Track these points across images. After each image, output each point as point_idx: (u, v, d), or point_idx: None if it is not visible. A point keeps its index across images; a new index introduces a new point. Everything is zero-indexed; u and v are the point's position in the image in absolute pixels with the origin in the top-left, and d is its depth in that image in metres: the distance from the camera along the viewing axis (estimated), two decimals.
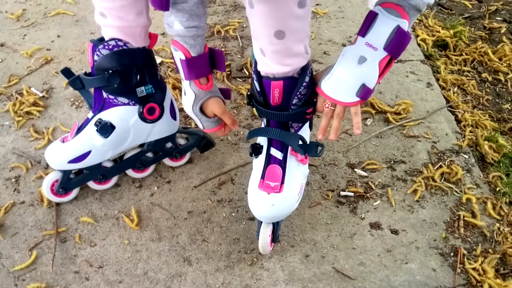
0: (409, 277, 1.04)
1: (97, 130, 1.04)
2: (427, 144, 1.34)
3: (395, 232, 1.12)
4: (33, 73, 1.50)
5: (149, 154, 1.16)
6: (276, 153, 0.99)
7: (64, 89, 1.44)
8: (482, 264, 1.05)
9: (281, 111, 0.95)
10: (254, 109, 1.19)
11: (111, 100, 1.04)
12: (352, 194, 1.19)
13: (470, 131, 1.38)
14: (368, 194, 1.19)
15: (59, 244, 1.03)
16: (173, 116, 1.14)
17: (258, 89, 0.94)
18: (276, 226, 1.03)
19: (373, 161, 1.28)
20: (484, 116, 1.46)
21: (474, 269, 1.05)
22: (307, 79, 0.91)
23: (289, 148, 0.99)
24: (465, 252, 1.08)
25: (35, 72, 1.51)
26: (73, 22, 1.73)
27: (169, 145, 1.17)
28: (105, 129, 1.04)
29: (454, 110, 1.47)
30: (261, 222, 0.99)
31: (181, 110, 1.36)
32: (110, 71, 0.98)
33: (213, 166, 1.24)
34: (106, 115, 1.04)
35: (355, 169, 1.26)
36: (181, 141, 1.20)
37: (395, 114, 1.42)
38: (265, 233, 0.99)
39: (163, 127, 1.13)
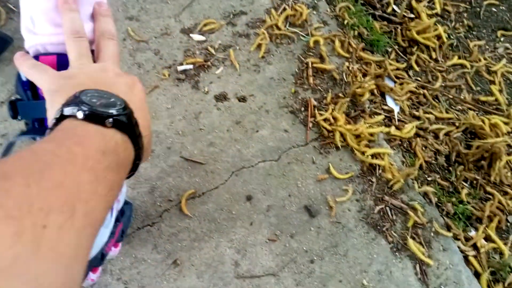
0: (262, 145, 0.97)
1: None
2: None
3: (242, 99, 1.02)
4: None
5: None
6: None
7: None
8: (333, 112, 1.01)
9: None
10: None
11: None
12: (191, 66, 1.04)
13: None
14: (209, 62, 1.05)
15: None
16: None
17: None
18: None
19: (211, 19, 1.10)
20: None
21: (325, 119, 1.00)
22: None
23: None
24: (316, 103, 1.02)
25: None
26: None
27: None
28: None
29: None
30: None
31: None
32: None
33: None
34: None
35: (191, 34, 1.08)
36: None
37: None
38: None
39: None
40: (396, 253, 0.91)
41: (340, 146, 0.98)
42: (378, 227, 0.92)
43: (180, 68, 1.03)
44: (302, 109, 1.02)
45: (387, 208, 0.94)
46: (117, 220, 0.81)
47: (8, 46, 1.00)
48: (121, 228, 0.82)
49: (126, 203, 0.85)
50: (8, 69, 1.00)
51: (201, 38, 1.07)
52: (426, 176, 1.03)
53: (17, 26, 1.03)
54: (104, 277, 0.83)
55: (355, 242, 0.90)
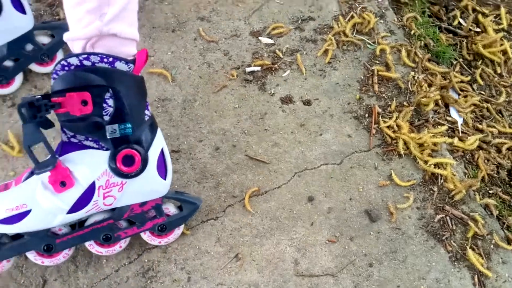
0: (325, 148, 0.99)
1: None
2: None
3: (307, 103, 1.04)
4: None
5: (8, 63, 0.97)
6: None
7: None
8: (397, 120, 1.02)
9: None
10: None
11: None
12: (259, 68, 1.07)
13: None
14: (276, 65, 1.08)
15: None
16: (20, 9, 0.93)
17: None
18: None
19: (279, 24, 1.13)
20: None
21: (389, 127, 1.01)
22: None
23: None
24: (380, 110, 1.04)
25: None
26: None
27: (29, 47, 0.97)
28: None
29: None
30: None
31: None
32: None
33: None
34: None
35: (260, 37, 1.11)
36: (44, 40, 1.00)
37: None
38: None
39: (10, 25, 0.92)
40: (455, 263, 0.90)
41: (403, 154, 0.99)
42: (438, 236, 0.92)
43: (248, 69, 1.07)
44: (366, 115, 1.03)
45: (448, 217, 0.94)
46: (156, 215, 0.85)
47: None
48: (159, 222, 0.84)
49: (186, 201, 0.88)
50: None
51: (270, 41, 1.11)
52: (488, 188, 1.02)
53: None
54: (168, 265, 0.87)
55: (414, 249, 0.91)
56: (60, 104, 0.65)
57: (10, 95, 1.01)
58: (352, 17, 1.13)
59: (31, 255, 0.81)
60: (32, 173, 0.74)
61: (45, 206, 0.73)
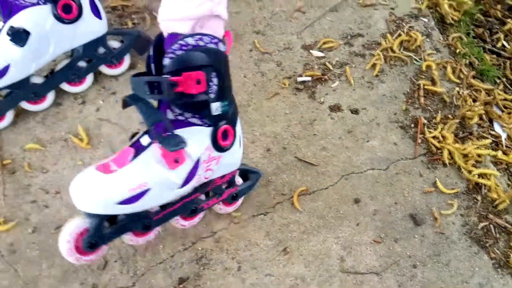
0: (371, 154, 1.04)
1: (10, 40, 0.92)
2: (385, 11, 1.25)
3: (355, 111, 1.10)
4: None
5: (82, 63, 1.06)
6: (144, 140, 0.78)
7: None
8: (442, 131, 1.06)
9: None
10: None
11: (18, 2, 0.92)
12: (309, 78, 1.14)
13: None
14: (326, 76, 1.14)
15: (8, 176, 0.98)
16: (97, 15, 1.02)
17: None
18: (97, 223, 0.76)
19: (329, 39, 1.20)
20: None
21: (434, 137, 1.05)
22: None
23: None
24: (425, 121, 1.08)
25: None
26: None
27: (101, 50, 1.06)
28: (19, 36, 0.92)
29: None
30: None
31: (114, 8, 1.21)
32: None
33: None
34: (17, 21, 0.92)
35: (311, 51, 1.18)
36: (115, 44, 1.09)
37: None
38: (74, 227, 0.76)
39: (87, 28, 1.01)
40: (498, 269, 0.92)
41: (447, 163, 1.02)
42: (481, 243, 0.94)
43: (299, 79, 1.14)
44: (412, 125, 1.07)
45: (491, 226, 0.96)
46: (229, 184, 0.91)
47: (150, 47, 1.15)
48: (233, 192, 0.91)
49: (252, 172, 0.94)
50: None
51: (320, 54, 1.18)
52: None
53: (158, 31, 1.19)
54: (220, 254, 0.92)
55: (458, 253, 0.93)
56: (177, 83, 0.70)
57: (80, 93, 1.10)
58: (400, 35, 1.20)
59: (127, 237, 0.82)
60: (138, 153, 0.76)
61: (163, 183, 0.76)
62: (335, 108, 1.10)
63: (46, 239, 0.91)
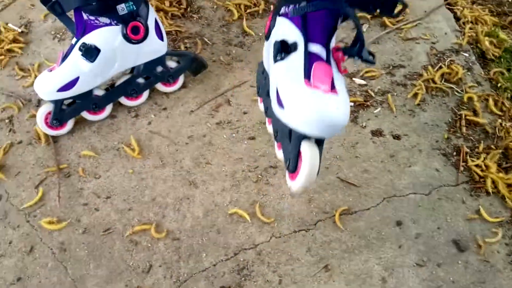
0: (413, 179, 1.05)
1: (82, 55, 1.01)
2: (426, 45, 1.30)
3: (397, 137, 1.12)
4: (7, 8, 1.41)
5: (141, 80, 1.13)
6: (317, 49, 0.70)
7: (43, 22, 1.37)
8: (485, 160, 1.06)
9: None
10: None
11: (92, 22, 1.00)
12: (352, 104, 1.17)
13: (470, 28, 1.33)
14: (368, 102, 1.17)
15: (63, 179, 1.03)
16: (160, 37, 1.09)
17: None
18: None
19: (372, 68, 1.24)
20: (483, 11, 1.40)
21: (477, 165, 1.06)
22: None
23: (331, 45, 0.72)
24: (468, 150, 1.09)
25: (9, 6, 1.42)
26: None
27: (159, 69, 1.13)
28: (90, 52, 1.01)
29: (452, 7, 1.41)
30: (298, 140, 0.69)
31: (168, 32, 1.29)
32: None
33: (208, 89, 1.21)
34: (90, 39, 1.01)
35: (354, 78, 1.23)
36: (172, 64, 1.16)
37: (392, 17, 1.36)
38: (315, 155, 0.68)
39: (150, 48, 1.08)
40: None
41: (491, 192, 1.02)
42: None
43: None
44: (454, 153, 1.09)
45: None
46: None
47: (203, 69, 1.22)
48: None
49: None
50: (198, 87, 1.21)
51: (362, 82, 1.22)
52: None
53: (209, 56, 1.26)
54: (262, 267, 0.93)
55: (503, 283, 0.91)
56: None
57: (135, 107, 1.16)
58: (441, 67, 1.23)
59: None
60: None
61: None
62: (377, 133, 1.12)
63: (94, 240, 0.95)
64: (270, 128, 0.88)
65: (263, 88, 0.90)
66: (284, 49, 0.72)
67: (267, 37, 0.82)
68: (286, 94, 0.68)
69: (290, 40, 0.72)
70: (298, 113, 0.65)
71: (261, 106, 0.94)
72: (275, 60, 0.73)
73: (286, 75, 0.70)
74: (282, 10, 0.77)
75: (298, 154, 0.70)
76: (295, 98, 0.66)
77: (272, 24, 0.79)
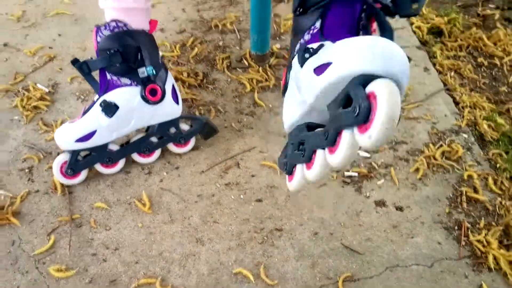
0: (416, 250, 1.07)
1: (102, 110, 1.09)
2: (427, 125, 1.37)
3: (400, 208, 1.15)
4: (37, 70, 1.52)
5: (154, 139, 1.19)
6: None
7: (70, 84, 1.47)
8: (486, 236, 1.09)
9: None
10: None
11: (114, 82, 1.09)
12: (356, 174, 1.22)
13: (469, 112, 1.42)
14: (371, 174, 1.23)
15: (75, 229, 1.06)
16: (175, 100, 1.17)
17: None
18: None
19: None
20: (481, 98, 1.50)
21: (478, 241, 1.08)
22: None
23: None
24: (469, 225, 1.12)
25: (40, 69, 1.53)
26: (72, 21, 1.75)
27: (173, 130, 1.20)
28: (110, 108, 1.09)
29: (451, 93, 1.51)
30: (357, 87, 0.58)
31: (185, 99, 1.39)
32: (112, 51, 1.03)
33: (218, 152, 1.27)
34: (111, 96, 1.09)
35: (358, 151, 1.29)
36: (185, 127, 1.23)
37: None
38: (395, 90, 0.55)
39: (166, 110, 1.16)
40: None
41: (493, 268, 1.03)
42: None
43: (346, 173, 1.22)
44: (456, 227, 1.11)
45: None
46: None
47: (214, 134, 1.29)
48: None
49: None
50: (209, 150, 1.27)
51: (366, 155, 1.28)
52: None
53: (221, 123, 1.34)
54: None
55: None
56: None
57: (148, 164, 1.22)
58: (441, 145, 1.29)
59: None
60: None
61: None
62: (380, 203, 1.16)
63: None
64: (292, 185, 0.86)
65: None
66: (310, 50, 0.71)
67: (283, 92, 0.87)
68: (332, 51, 0.64)
69: (315, 46, 0.72)
70: (352, 53, 0.59)
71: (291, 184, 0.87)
72: (304, 60, 0.71)
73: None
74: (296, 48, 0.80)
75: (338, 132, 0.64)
76: (345, 45, 0.62)
77: (287, 78, 0.85)
